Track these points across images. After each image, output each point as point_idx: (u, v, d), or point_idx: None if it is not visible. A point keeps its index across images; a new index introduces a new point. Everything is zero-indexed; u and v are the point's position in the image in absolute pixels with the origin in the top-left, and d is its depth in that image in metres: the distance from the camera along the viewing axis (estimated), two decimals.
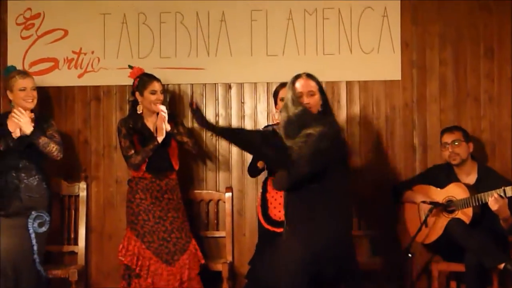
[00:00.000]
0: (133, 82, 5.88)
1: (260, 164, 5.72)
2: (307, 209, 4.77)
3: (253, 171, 5.82)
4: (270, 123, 5.94)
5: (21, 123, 5.56)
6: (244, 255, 6.16)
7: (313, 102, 4.85)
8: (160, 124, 5.68)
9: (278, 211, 5.61)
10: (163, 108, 5.68)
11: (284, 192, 4.94)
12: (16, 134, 5.57)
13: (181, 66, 6.30)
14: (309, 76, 4.92)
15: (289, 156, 4.66)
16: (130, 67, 5.98)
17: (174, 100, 6.27)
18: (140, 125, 5.80)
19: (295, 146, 4.67)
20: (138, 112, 5.82)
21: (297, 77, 4.92)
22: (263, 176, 5.88)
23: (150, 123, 5.84)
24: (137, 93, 5.83)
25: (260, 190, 5.84)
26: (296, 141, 4.68)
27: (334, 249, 4.73)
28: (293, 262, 4.68)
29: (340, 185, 4.83)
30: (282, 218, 5.34)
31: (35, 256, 5.56)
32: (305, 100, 4.83)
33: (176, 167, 5.86)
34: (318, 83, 4.91)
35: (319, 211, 4.75)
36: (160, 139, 5.70)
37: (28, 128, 5.57)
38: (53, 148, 5.64)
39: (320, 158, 4.68)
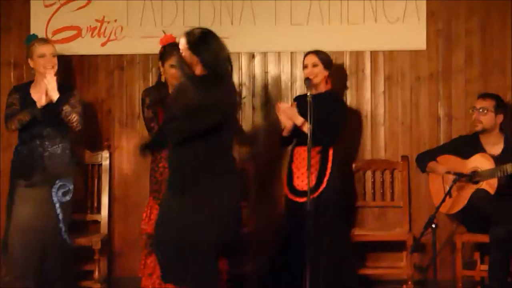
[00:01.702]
0: (160, 50, 5.81)
1: (284, 133, 5.71)
2: (192, 173, 4.81)
3: (280, 140, 5.82)
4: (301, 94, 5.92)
5: (50, 87, 5.55)
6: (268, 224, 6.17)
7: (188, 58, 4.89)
8: None
9: (301, 181, 5.59)
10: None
11: (169, 156, 4.99)
12: (41, 102, 5.56)
13: None
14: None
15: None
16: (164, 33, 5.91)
17: None
18: (164, 95, 5.75)
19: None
20: (162, 81, 5.77)
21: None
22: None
23: None
24: (159, 62, 5.78)
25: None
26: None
27: (227, 215, 4.82)
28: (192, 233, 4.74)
29: (226, 149, 4.90)
30: (305, 188, 5.34)
31: (61, 225, 5.58)
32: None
33: None
34: (188, 42, 4.88)
35: (207, 175, 4.80)
36: None
37: (55, 94, 5.56)
38: (74, 118, 5.62)
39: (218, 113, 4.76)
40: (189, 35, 4.89)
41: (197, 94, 4.81)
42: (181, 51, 4.88)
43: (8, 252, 5.53)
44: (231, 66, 5.01)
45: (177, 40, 5.69)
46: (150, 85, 6.11)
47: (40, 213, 5.52)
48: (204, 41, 4.87)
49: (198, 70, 4.87)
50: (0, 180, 6.29)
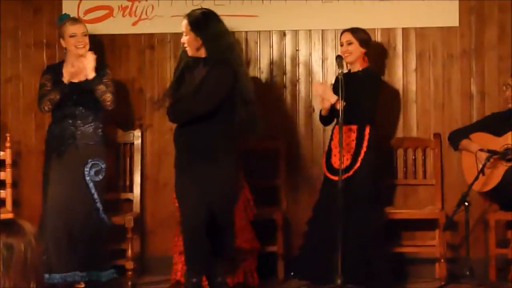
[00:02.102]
0: None
1: (323, 112, 5.70)
2: (190, 153, 5.03)
3: (321, 119, 5.82)
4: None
5: (89, 66, 5.57)
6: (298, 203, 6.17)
7: (187, 41, 4.98)
8: None
9: (338, 159, 5.56)
10: None
11: (174, 135, 5.20)
12: (72, 79, 5.58)
13: (235, 13, 6.22)
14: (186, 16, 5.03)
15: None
16: None
17: None
18: None
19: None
20: None
21: None
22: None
23: None
24: None
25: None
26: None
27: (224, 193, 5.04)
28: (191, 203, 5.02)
29: (228, 128, 4.99)
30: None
31: (98, 204, 5.61)
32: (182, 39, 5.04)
33: None
34: (190, 23, 4.97)
35: (204, 155, 4.98)
36: None
37: (92, 74, 5.58)
38: (108, 97, 5.63)
39: (215, 98, 4.90)
40: (190, 16, 4.93)
41: (197, 77, 4.86)
42: (183, 33, 4.88)
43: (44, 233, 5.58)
44: (237, 50, 5.05)
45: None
46: None
47: (73, 193, 5.55)
48: (205, 20, 4.89)
49: (202, 52, 4.88)
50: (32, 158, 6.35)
